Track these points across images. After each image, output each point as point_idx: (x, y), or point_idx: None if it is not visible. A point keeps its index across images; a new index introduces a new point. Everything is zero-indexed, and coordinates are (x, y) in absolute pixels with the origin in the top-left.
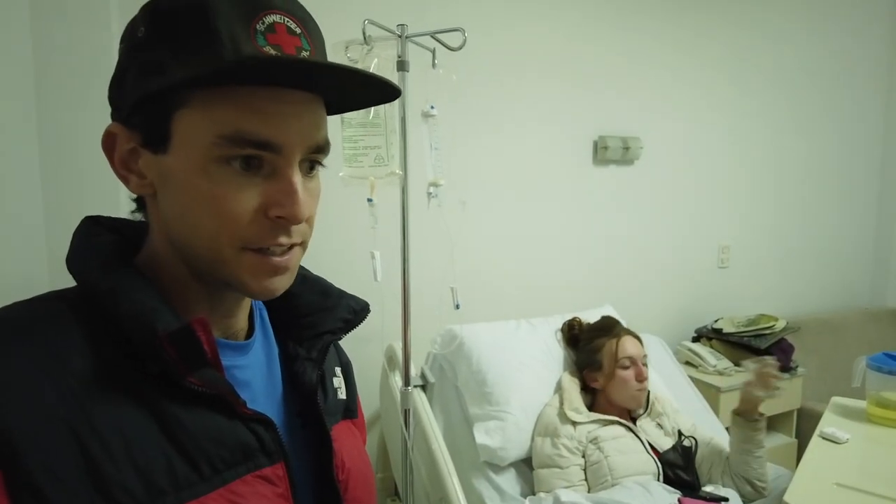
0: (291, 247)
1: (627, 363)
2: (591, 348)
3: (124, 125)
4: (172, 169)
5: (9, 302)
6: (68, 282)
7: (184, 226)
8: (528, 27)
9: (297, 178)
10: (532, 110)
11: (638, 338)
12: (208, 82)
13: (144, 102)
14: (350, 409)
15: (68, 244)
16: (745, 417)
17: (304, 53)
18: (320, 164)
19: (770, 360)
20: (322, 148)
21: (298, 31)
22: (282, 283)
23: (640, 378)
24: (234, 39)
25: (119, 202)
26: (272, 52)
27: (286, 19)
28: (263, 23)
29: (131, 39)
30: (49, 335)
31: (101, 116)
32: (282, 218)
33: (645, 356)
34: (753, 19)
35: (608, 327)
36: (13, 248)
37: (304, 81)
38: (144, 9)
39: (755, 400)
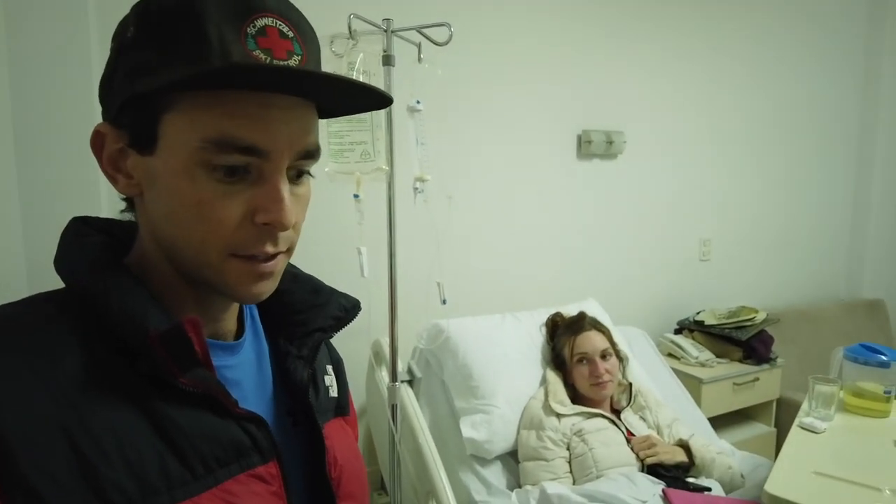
0: (277, 254)
1: (582, 359)
2: (558, 344)
3: (113, 125)
4: (159, 171)
5: None
6: (46, 281)
7: (170, 228)
8: (512, 22)
9: (284, 183)
10: (517, 104)
11: (604, 332)
12: (195, 86)
13: (132, 103)
14: (342, 406)
15: (46, 244)
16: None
17: (296, 58)
18: (307, 172)
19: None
20: (311, 153)
21: (291, 34)
22: (267, 288)
23: (594, 374)
24: (222, 42)
25: (99, 201)
26: (262, 56)
27: (278, 22)
28: (255, 26)
29: (121, 39)
30: (39, 337)
31: (77, 114)
32: (268, 224)
33: (605, 350)
34: (734, 15)
35: (573, 323)
36: None
37: (293, 87)
38: (135, 8)
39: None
